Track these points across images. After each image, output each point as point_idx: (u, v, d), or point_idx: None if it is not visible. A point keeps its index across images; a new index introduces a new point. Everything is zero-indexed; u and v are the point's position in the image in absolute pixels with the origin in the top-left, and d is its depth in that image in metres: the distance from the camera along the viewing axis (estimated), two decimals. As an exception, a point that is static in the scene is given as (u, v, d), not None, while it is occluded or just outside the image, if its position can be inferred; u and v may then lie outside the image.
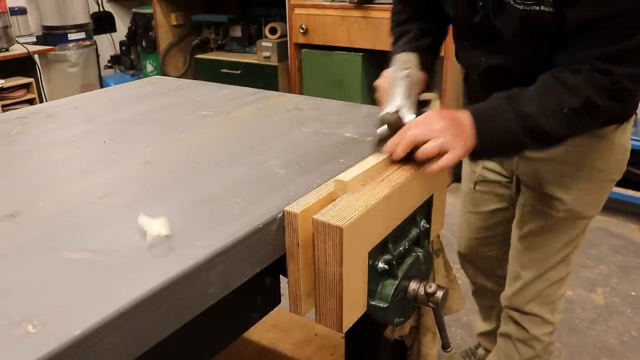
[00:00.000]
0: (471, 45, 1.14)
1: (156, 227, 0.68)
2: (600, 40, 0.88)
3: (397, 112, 0.92)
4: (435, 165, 0.86)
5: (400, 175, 0.86)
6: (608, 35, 0.87)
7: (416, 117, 0.92)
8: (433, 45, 1.19)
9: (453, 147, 0.86)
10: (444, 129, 0.86)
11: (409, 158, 0.88)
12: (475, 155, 0.93)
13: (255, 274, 0.72)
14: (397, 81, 0.99)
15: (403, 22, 1.20)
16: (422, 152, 0.86)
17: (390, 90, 0.98)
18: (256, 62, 3.52)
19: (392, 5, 1.27)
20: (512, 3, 0.95)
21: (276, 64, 3.42)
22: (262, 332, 1.58)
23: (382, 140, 0.93)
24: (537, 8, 0.92)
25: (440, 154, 0.86)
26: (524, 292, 1.28)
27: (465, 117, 0.91)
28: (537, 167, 1.17)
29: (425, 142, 0.86)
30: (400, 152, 0.87)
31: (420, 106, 0.99)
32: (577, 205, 1.16)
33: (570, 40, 0.91)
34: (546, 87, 0.92)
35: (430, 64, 1.14)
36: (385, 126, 0.92)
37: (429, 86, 1.11)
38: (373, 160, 0.88)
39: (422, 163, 0.88)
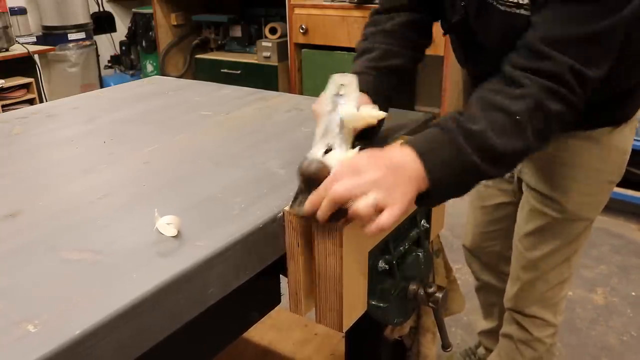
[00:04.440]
0: (460, 48, 1.14)
1: (167, 220, 0.68)
2: (552, 22, 0.81)
3: (319, 160, 0.72)
4: (373, 227, 0.67)
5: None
6: (563, 18, 0.80)
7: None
8: (400, 67, 1.01)
9: (391, 202, 0.68)
10: (377, 180, 0.68)
11: (338, 215, 0.70)
12: (430, 197, 0.76)
13: (255, 274, 0.72)
14: (323, 115, 0.82)
15: (370, 35, 1.05)
16: (354, 215, 0.68)
17: (319, 124, 0.82)
18: (256, 62, 3.52)
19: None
20: (494, 4, 0.93)
21: (276, 64, 3.42)
22: (262, 332, 1.58)
23: (301, 193, 0.73)
24: (518, 11, 0.89)
25: (377, 210, 0.68)
26: (525, 294, 1.28)
27: (404, 156, 0.73)
28: (536, 167, 1.17)
29: (353, 199, 0.68)
30: (323, 214, 0.69)
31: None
32: (575, 207, 1.16)
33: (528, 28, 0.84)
34: (486, 103, 0.80)
35: (389, 89, 0.99)
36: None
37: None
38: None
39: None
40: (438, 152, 0.74)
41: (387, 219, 0.68)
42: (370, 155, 0.73)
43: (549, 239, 1.21)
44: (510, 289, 1.31)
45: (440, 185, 0.74)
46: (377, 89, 0.94)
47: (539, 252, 1.23)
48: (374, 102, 0.92)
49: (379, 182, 0.69)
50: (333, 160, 0.75)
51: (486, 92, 0.81)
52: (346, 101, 0.82)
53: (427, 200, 0.76)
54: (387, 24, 1.04)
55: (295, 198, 0.74)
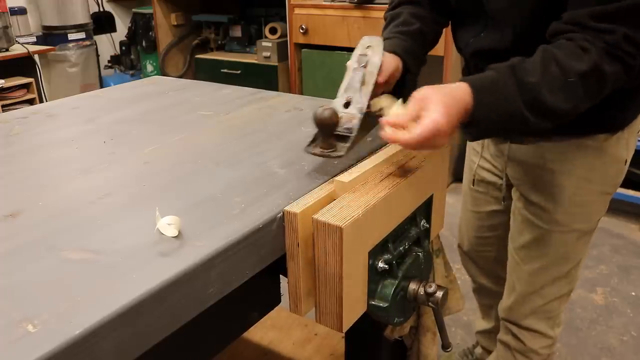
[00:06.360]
0: (462, 22, 1.12)
1: (168, 221, 0.68)
2: None
3: (331, 107, 0.82)
4: (391, 138, 0.79)
5: (400, 174, 0.86)
6: None
7: (366, 109, 0.85)
8: (426, 31, 1.08)
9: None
10: (444, 136, 0.79)
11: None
12: (476, 130, 0.85)
13: (255, 274, 0.72)
14: (347, 70, 0.91)
15: (396, 5, 1.13)
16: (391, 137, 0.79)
17: (344, 79, 0.90)
18: (256, 62, 3.52)
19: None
20: None
21: (276, 64, 3.42)
22: (262, 332, 1.58)
23: (317, 137, 0.85)
24: None
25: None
26: (520, 307, 1.24)
27: (461, 95, 0.82)
28: (525, 173, 1.15)
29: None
30: (399, 141, 0.79)
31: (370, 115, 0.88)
32: (565, 217, 1.11)
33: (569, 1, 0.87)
34: (548, 56, 0.84)
35: (419, 51, 1.05)
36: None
37: (405, 74, 1.01)
38: (373, 160, 0.88)
39: None
40: (491, 90, 0.82)
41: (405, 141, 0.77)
42: (441, 111, 0.77)
43: (542, 251, 1.16)
44: (506, 299, 1.28)
45: (485, 120, 0.83)
46: (407, 50, 1.00)
47: (533, 265, 1.19)
48: (405, 62, 0.99)
49: (445, 137, 0.78)
50: (353, 110, 0.85)
51: (550, 46, 0.85)
52: (370, 60, 0.90)
53: (476, 128, 0.85)
54: None
55: (312, 141, 0.84)
